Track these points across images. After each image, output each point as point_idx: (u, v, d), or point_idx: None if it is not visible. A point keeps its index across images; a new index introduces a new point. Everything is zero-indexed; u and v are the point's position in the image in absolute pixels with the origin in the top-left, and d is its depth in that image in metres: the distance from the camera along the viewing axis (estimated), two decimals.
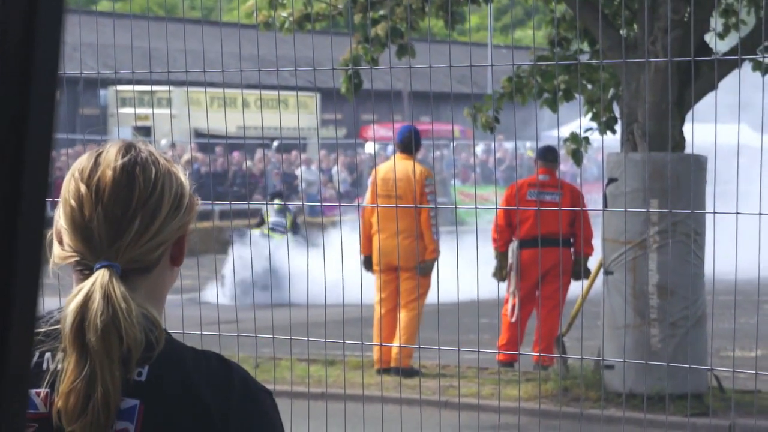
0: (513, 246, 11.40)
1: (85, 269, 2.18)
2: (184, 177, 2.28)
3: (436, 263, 11.18)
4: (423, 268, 11.14)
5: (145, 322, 2.14)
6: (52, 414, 2.12)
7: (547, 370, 10.97)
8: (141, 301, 2.16)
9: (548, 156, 11.59)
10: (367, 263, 11.33)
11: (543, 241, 9.92)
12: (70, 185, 2.18)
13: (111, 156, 2.20)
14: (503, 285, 11.41)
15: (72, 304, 2.12)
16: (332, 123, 32.72)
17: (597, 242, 9.85)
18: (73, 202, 2.17)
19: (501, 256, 11.48)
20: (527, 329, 11.62)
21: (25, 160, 1.03)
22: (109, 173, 2.17)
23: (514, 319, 11.31)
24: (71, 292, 2.16)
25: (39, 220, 1.05)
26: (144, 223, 2.17)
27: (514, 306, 11.40)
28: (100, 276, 2.13)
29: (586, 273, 11.22)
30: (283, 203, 14.05)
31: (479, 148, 33.94)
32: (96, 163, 2.20)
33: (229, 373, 2.19)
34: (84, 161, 2.22)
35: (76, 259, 2.19)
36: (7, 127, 1.03)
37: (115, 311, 2.10)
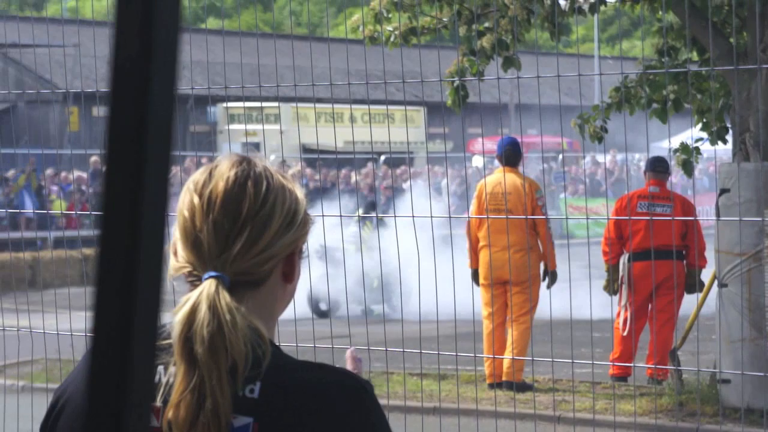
0: (624, 258, 11.26)
1: (195, 280, 2.18)
2: (300, 193, 2.28)
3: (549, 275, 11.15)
4: (552, 280, 11.10)
5: (252, 336, 2.12)
6: (163, 426, 2.11)
7: (662, 384, 10.82)
8: (248, 314, 2.14)
9: (658, 167, 11.46)
10: (475, 277, 11.29)
11: (655, 253, 9.81)
12: (185, 197, 2.20)
13: (224, 168, 2.22)
14: (615, 298, 11.30)
15: (179, 315, 2.12)
16: (439, 137, 32.72)
17: (710, 254, 9.70)
18: (186, 213, 2.18)
19: (612, 269, 11.35)
20: (640, 343, 11.48)
21: (144, 176, 1.04)
22: (221, 184, 2.19)
23: (626, 333, 11.17)
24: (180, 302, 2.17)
25: (159, 235, 1.06)
26: (253, 235, 2.16)
27: (626, 319, 11.24)
28: (207, 286, 2.13)
29: (700, 286, 11.05)
30: (365, 215, 13.84)
31: (588, 160, 33.68)
32: (210, 176, 2.21)
33: (350, 389, 2.16)
34: (199, 174, 2.24)
35: (188, 269, 2.19)
36: (128, 144, 1.04)
37: (221, 322, 2.09)
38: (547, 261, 11.16)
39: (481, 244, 11.20)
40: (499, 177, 11.02)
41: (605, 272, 11.41)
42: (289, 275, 2.25)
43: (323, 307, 13.10)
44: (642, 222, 10.86)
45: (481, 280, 11.18)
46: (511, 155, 11.13)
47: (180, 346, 2.10)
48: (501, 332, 11.21)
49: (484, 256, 11.09)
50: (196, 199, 2.18)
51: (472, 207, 11.38)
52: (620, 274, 11.30)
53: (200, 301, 2.12)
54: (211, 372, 2.08)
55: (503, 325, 11.22)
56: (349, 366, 2.50)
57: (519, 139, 11.61)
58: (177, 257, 2.21)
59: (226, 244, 2.16)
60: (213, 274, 2.15)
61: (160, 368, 2.17)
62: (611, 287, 11.28)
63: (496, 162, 11.62)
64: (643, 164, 11.99)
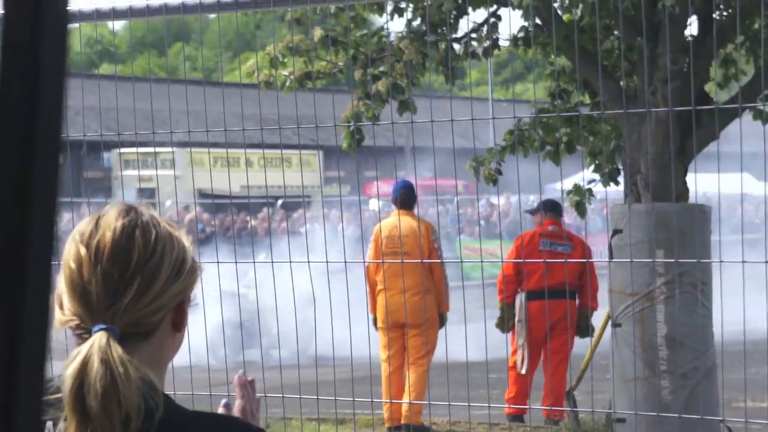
0: (521, 297, 11.35)
1: (84, 333, 2.14)
2: (186, 242, 2.26)
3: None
4: (441, 323, 11.14)
5: (144, 388, 2.10)
6: None
7: (558, 424, 10.90)
8: (140, 366, 2.12)
9: (555, 208, 11.64)
10: (375, 322, 11.29)
11: (552, 293, 9.92)
12: (71, 248, 2.17)
13: (111, 218, 2.19)
14: (509, 338, 11.37)
15: (70, 369, 2.09)
16: (335, 180, 32.76)
17: (603, 294, 9.81)
18: (72, 264, 2.15)
19: (507, 307, 11.43)
20: (535, 383, 11.56)
21: (30, 224, 1.03)
22: (109, 235, 2.16)
23: (524, 371, 11.25)
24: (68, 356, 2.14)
25: (45, 285, 1.04)
26: (142, 285, 2.14)
27: (523, 358, 11.34)
28: (98, 339, 2.10)
29: (591, 329, 11.21)
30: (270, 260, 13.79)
31: (483, 202, 33.94)
32: (96, 226, 2.18)
33: None
34: (85, 224, 2.21)
35: (76, 322, 2.16)
36: (11, 191, 1.03)
37: (114, 375, 2.06)
38: (442, 304, 11.20)
39: (378, 287, 11.21)
40: (394, 220, 11.07)
41: (499, 310, 11.50)
42: (179, 324, 2.23)
43: (221, 353, 12.98)
44: (541, 261, 10.94)
45: (379, 324, 11.18)
46: (405, 198, 11.19)
47: (71, 400, 2.07)
48: (399, 375, 11.21)
49: (381, 300, 11.10)
50: (83, 250, 2.15)
51: (370, 251, 11.39)
52: (516, 312, 11.40)
53: (91, 354, 2.08)
54: (104, 426, 2.06)
55: (401, 368, 11.22)
56: (238, 394, 2.46)
57: (414, 182, 11.68)
58: (63, 310, 2.17)
59: (115, 296, 2.13)
60: (103, 326, 2.11)
61: (49, 424, 2.12)
62: (505, 325, 11.31)
63: (393, 205, 11.66)
64: (535, 204, 12.11)
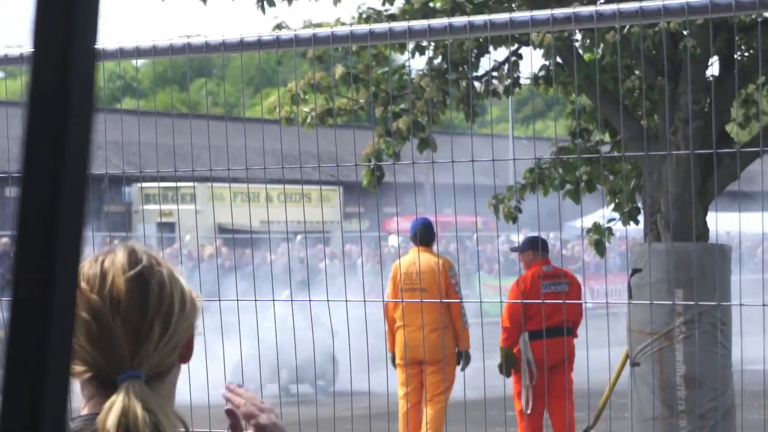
0: (525, 337, 11.29)
1: (105, 382, 2.13)
2: (182, 276, 2.25)
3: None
4: (465, 361, 11.08)
5: (180, 426, 2.11)
6: None
7: None
8: (174, 411, 2.13)
9: (546, 246, 11.66)
10: (393, 360, 11.29)
11: (553, 331, 9.99)
12: (79, 297, 2.12)
13: (119, 263, 2.16)
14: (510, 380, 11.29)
15: (110, 420, 2.06)
16: (355, 216, 32.80)
17: (622, 333, 9.78)
18: (85, 315, 2.11)
19: (509, 351, 11.27)
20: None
21: (56, 259, 1.03)
22: (121, 282, 2.14)
23: (529, 411, 11.23)
24: (87, 406, 2.11)
25: (69, 323, 1.04)
26: (162, 328, 2.14)
27: (528, 399, 11.29)
28: (131, 387, 2.09)
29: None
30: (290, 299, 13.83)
31: (502, 239, 33.91)
32: (102, 271, 2.15)
33: None
34: (88, 268, 2.16)
35: (91, 373, 2.14)
36: (38, 227, 1.04)
37: (156, 425, 2.06)
38: (460, 341, 11.18)
39: (397, 324, 11.21)
40: (413, 257, 11.08)
41: (500, 355, 11.35)
42: (186, 356, 2.23)
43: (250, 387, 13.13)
44: (539, 303, 10.92)
45: (397, 360, 11.18)
46: (424, 235, 11.21)
47: None
48: (416, 412, 11.18)
49: (399, 337, 11.10)
50: (95, 299, 2.12)
51: (388, 289, 11.39)
52: (521, 354, 11.31)
53: (131, 403, 2.07)
54: None
55: (419, 405, 11.20)
56: (234, 405, 2.39)
57: (434, 219, 11.69)
58: (77, 361, 2.13)
59: (138, 342, 2.12)
60: (131, 373, 2.11)
61: None
62: (506, 370, 11.13)
63: (411, 242, 11.67)
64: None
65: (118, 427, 2.06)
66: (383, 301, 10.97)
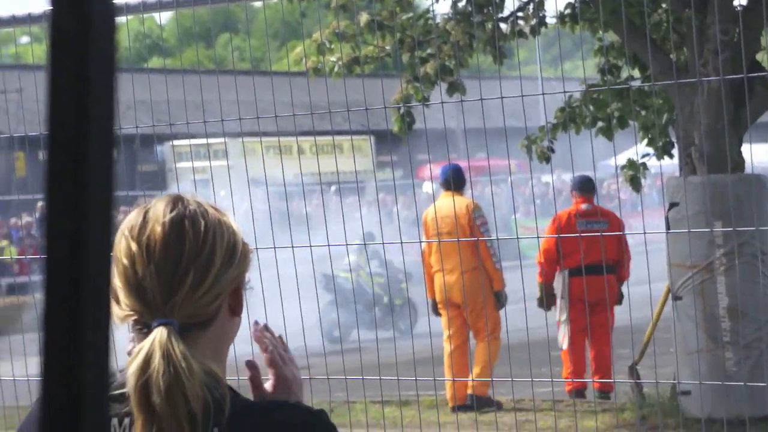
0: (564, 274, 11.38)
1: (143, 328, 2.15)
2: (235, 226, 2.24)
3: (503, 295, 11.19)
4: (499, 302, 11.12)
5: (208, 380, 2.10)
6: None
7: (609, 397, 10.92)
8: (202, 358, 2.12)
9: (587, 186, 11.62)
10: (435, 306, 11.33)
11: (592, 269, 9.98)
12: (121, 243, 2.16)
13: (159, 211, 2.18)
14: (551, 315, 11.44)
15: (133, 366, 2.09)
16: (388, 165, 32.78)
17: (663, 268, 9.75)
18: (125, 261, 2.14)
19: (546, 287, 11.42)
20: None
21: (87, 219, 1.03)
22: (159, 229, 2.15)
23: (565, 347, 11.35)
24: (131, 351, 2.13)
25: (104, 279, 1.04)
26: (197, 276, 2.13)
27: (564, 335, 11.42)
28: (159, 334, 2.10)
29: (621, 297, 11.30)
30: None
31: (536, 181, 33.87)
32: (145, 220, 2.17)
33: (304, 424, 2.14)
34: (133, 218, 2.19)
35: (134, 317, 2.16)
36: (66, 187, 1.03)
37: (177, 370, 2.06)
38: (494, 281, 11.18)
39: (434, 269, 11.27)
40: (441, 202, 11.11)
41: (538, 290, 11.47)
42: (236, 309, 2.22)
43: (335, 334, 13.40)
44: (578, 240, 10.97)
45: (439, 304, 11.24)
46: (453, 180, 11.20)
47: (137, 397, 2.07)
48: (460, 354, 11.22)
49: (437, 280, 11.17)
50: (134, 246, 2.14)
51: (423, 235, 11.44)
52: (558, 290, 11.45)
53: (153, 350, 2.08)
54: (170, 422, 2.06)
55: (462, 347, 11.24)
56: (261, 349, 2.37)
57: (466, 164, 11.68)
58: (120, 305, 2.16)
59: (171, 290, 2.12)
60: (162, 321, 2.11)
61: (114, 421, 2.13)
62: (544, 302, 11.23)
63: (442, 188, 11.69)
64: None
65: (139, 374, 2.08)
66: (420, 242, 10.97)
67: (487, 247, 11.12)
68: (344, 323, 11.39)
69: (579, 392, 11.32)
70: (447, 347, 11.18)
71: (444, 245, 10.45)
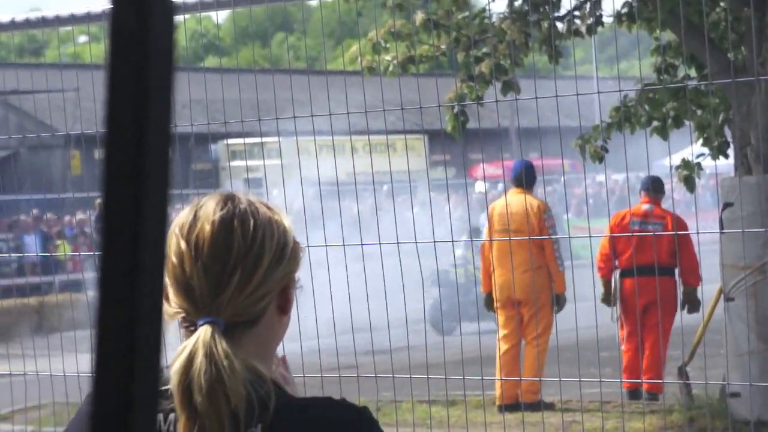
0: (616, 275, 11.45)
1: (190, 325, 2.16)
2: (287, 224, 2.24)
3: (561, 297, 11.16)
4: (558, 304, 11.11)
5: (252, 378, 2.10)
6: None
7: (657, 399, 10.86)
8: (246, 356, 2.12)
9: (652, 186, 11.60)
10: (488, 300, 11.30)
11: (644, 270, 9.96)
12: (171, 241, 2.16)
13: (209, 210, 2.18)
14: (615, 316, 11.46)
15: (177, 364, 2.10)
16: (441, 164, 32.76)
17: (715, 269, 9.68)
18: (174, 259, 2.15)
19: (606, 283, 11.52)
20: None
21: (143, 218, 1.05)
22: (208, 228, 2.15)
23: (622, 347, 11.35)
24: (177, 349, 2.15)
25: (158, 274, 1.06)
26: (245, 275, 2.14)
27: (621, 335, 11.44)
28: (203, 333, 2.11)
29: (694, 304, 11.12)
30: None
31: (589, 181, 33.70)
32: (195, 218, 2.18)
33: (348, 421, 2.15)
34: (184, 216, 2.20)
35: (182, 315, 2.17)
36: (125, 184, 1.05)
37: (218, 369, 2.07)
38: (556, 283, 11.16)
39: (493, 265, 11.23)
40: (508, 199, 11.06)
41: (602, 286, 11.55)
42: (285, 308, 2.22)
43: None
44: (632, 239, 11.02)
45: (495, 303, 11.22)
46: (522, 177, 11.17)
47: (180, 395, 2.09)
48: (512, 355, 11.20)
49: (498, 278, 11.12)
50: (183, 244, 2.15)
51: (485, 230, 11.47)
52: (613, 289, 11.49)
53: (197, 349, 2.09)
54: (211, 420, 2.07)
55: (515, 348, 11.23)
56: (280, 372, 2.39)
57: (527, 161, 11.69)
58: (170, 303, 2.17)
59: (218, 288, 2.13)
60: (207, 319, 2.12)
61: (160, 416, 2.14)
62: (608, 299, 11.39)
63: (500, 186, 11.68)
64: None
65: (182, 372, 2.09)
66: (471, 240, 10.97)
67: (552, 249, 11.12)
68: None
69: (632, 393, 11.28)
70: (501, 346, 11.17)
71: (511, 242, 10.43)
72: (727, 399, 9.42)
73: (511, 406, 10.79)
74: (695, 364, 10.33)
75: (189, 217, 2.19)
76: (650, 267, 10.32)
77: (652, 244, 10.46)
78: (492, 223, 11.25)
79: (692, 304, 11.19)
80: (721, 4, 11.02)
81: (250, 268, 2.15)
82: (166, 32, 1.05)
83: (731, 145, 10.84)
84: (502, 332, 11.17)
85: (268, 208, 2.25)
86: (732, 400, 9.32)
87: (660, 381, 10.84)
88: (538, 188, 11.60)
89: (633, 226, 11.36)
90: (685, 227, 11.16)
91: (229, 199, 2.21)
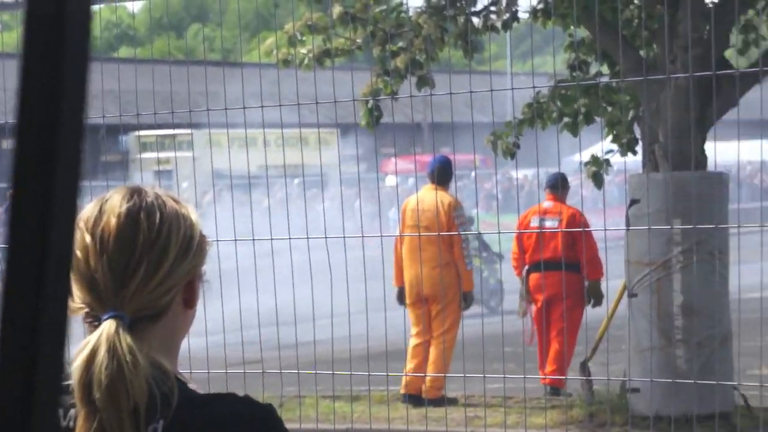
0: (523, 270, 11.63)
1: (94, 320, 2.13)
2: (194, 218, 2.23)
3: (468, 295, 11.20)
4: (466, 302, 11.14)
5: (156, 374, 2.09)
6: None
7: (559, 393, 10.97)
8: (150, 351, 2.11)
9: (555, 183, 11.76)
10: (400, 295, 11.32)
11: (546, 265, 10.15)
12: (77, 236, 2.13)
13: (115, 203, 2.16)
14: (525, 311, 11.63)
15: (79, 359, 2.07)
16: (353, 159, 32.73)
17: (621, 264, 9.81)
18: (78, 253, 2.13)
19: (521, 280, 11.72)
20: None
21: (52, 208, 1.05)
22: (113, 221, 2.14)
23: (531, 341, 11.50)
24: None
25: (65, 270, 1.06)
26: (150, 269, 2.12)
27: (529, 330, 11.60)
28: (107, 328, 2.08)
29: (597, 298, 11.28)
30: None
31: (500, 177, 33.89)
32: (101, 211, 2.16)
33: (250, 419, 2.14)
34: (89, 210, 2.18)
35: (86, 310, 2.14)
36: (36, 175, 1.05)
37: (120, 365, 2.05)
38: (463, 282, 11.15)
39: (404, 261, 11.22)
40: (422, 194, 11.07)
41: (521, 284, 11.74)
42: (190, 301, 2.21)
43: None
44: (533, 236, 11.22)
45: (407, 298, 11.22)
46: (437, 173, 11.12)
47: (80, 390, 2.06)
48: (419, 351, 11.20)
49: (406, 274, 11.13)
50: (88, 238, 2.13)
51: (399, 225, 11.48)
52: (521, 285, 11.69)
53: (99, 343, 2.07)
54: (110, 416, 2.05)
55: (426, 342, 11.23)
56: None
57: (430, 158, 11.71)
58: (73, 298, 2.15)
59: (122, 282, 2.12)
60: (112, 313, 2.11)
61: (59, 411, 2.12)
62: (521, 304, 11.60)
63: (410, 181, 11.70)
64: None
65: (83, 368, 2.07)
66: (381, 236, 11.01)
67: (461, 248, 11.13)
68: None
69: (554, 389, 11.33)
70: (413, 341, 11.20)
71: (421, 238, 10.46)
72: (628, 394, 9.53)
73: (415, 398, 10.81)
74: (597, 359, 10.45)
75: (94, 210, 2.17)
76: (553, 262, 10.51)
77: (551, 239, 10.70)
78: (404, 218, 11.26)
79: (596, 297, 11.34)
80: (635, 1, 11.15)
81: (156, 262, 2.14)
82: (82, 21, 1.05)
83: (640, 142, 10.97)
84: (413, 329, 11.20)
85: (175, 201, 2.23)
86: (632, 396, 9.43)
87: (562, 377, 10.95)
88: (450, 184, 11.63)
89: (533, 223, 11.56)
90: (582, 221, 11.27)
91: (136, 192, 2.20)
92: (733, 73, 9.26)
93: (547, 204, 11.67)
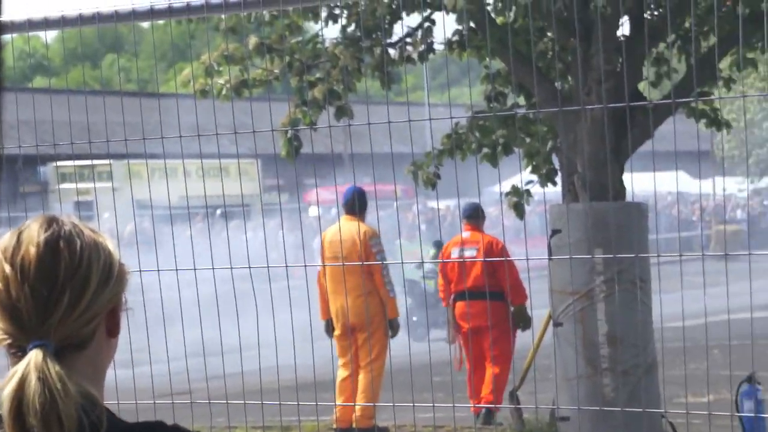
0: (450, 300, 11.77)
1: (18, 351, 2.11)
2: (112, 246, 2.23)
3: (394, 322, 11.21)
4: (392, 330, 11.16)
5: (84, 403, 2.08)
6: None
7: (494, 417, 11.06)
8: (78, 379, 2.09)
9: (468, 213, 11.91)
10: (328, 327, 11.31)
11: (470, 294, 10.30)
12: None
13: (33, 232, 2.15)
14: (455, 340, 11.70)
15: (8, 389, 2.05)
16: (275, 188, 32.70)
17: (544, 294, 9.87)
18: None
19: (448, 309, 11.86)
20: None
21: None
22: (33, 250, 2.12)
23: (459, 368, 11.61)
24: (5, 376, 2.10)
25: None
26: (73, 297, 2.11)
27: (458, 357, 11.68)
28: (34, 356, 2.07)
29: (525, 322, 11.41)
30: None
31: (421, 207, 34.02)
32: (18, 241, 2.14)
33: None
34: (6, 240, 2.16)
35: (8, 341, 2.12)
36: None
37: (52, 393, 2.04)
38: (388, 309, 11.19)
39: (329, 293, 11.22)
40: (342, 225, 11.09)
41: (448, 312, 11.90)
42: (113, 330, 2.21)
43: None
44: (456, 267, 11.38)
45: (335, 330, 11.22)
46: (352, 204, 11.19)
47: (11, 421, 2.04)
48: (349, 382, 11.19)
49: (332, 305, 11.15)
50: (7, 268, 2.11)
51: (320, 257, 11.46)
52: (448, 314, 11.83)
53: (28, 372, 2.05)
54: None
55: (354, 373, 11.22)
56: None
57: (358, 188, 11.74)
58: None
59: (46, 311, 2.10)
60: (37, 342, 2.09)
61: None
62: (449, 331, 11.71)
63: (333, 211, 11.72)
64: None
65: (13, 397, 2.05)
66: (305, 266, 10.98)
67: (382, 276, 11.15)
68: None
69: (486, 415, 11.37)
70: (341, 373, 11.18)
71: (341, 269, 10.48)
72: (557, 422, 9.58)
73: (347, 430, 10.80)
74: (526, 388, 10.49)
75: (12, 240, 2.15)
76: (477, 291, 10.60)
77: (473, 269, 10.85)
78: (323, 250, 11.27)
79: (523, 322, 11.43)
80: (548, 34, 11.27)
81: (78, 290, 2.12)
82: None
83: (559, 173, 11.06)
84: (341, 360, 11.19)
85: (91, 230, 2.23)
86: (561, 424, 9.48)
87: (489, 406, 10.99)
88: (370, 214, 11.66)
89: (454, 254, 11.71)
90: (500, 248, 11.40)
91: (53, 221, 2.18)
92: (647, 105, 9.37)
93: (465, 234, 11.80)
